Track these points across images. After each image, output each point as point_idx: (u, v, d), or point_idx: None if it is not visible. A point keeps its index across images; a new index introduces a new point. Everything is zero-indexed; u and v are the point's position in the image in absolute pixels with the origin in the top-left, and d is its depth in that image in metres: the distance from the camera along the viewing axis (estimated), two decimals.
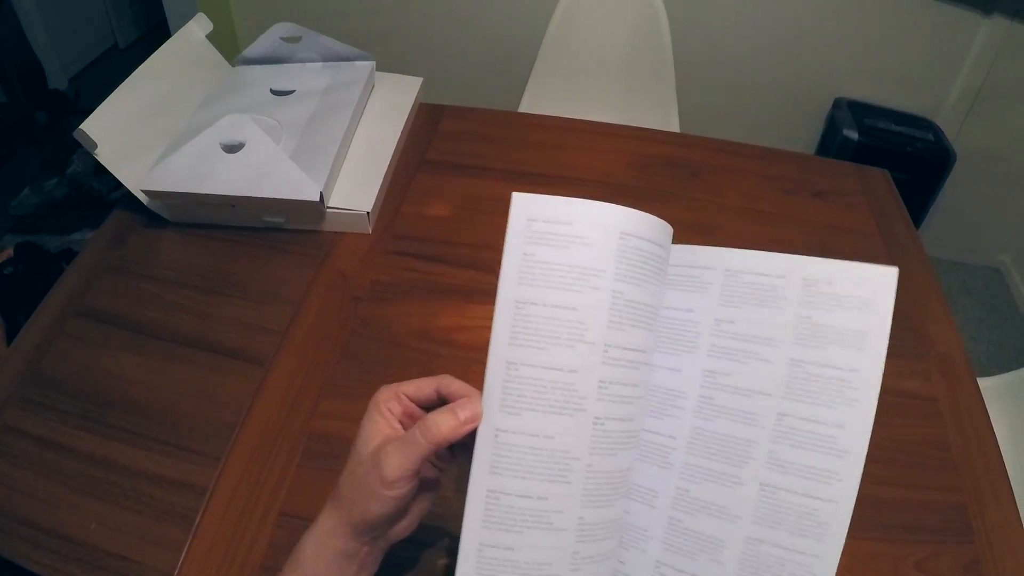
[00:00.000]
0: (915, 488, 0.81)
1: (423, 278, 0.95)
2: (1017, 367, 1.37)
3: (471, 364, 0.84)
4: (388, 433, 0.50)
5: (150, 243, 0.98)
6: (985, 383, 1.38)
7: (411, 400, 0.53)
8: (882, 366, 0.53)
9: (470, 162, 1.11)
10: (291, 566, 0.50)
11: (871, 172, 1.23)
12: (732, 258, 0.57)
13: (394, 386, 0.53)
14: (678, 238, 0.87)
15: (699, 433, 0.56)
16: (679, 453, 0.56)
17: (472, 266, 0.96)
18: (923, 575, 0.74)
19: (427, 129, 1.16)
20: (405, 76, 1.21)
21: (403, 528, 0.52)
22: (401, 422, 0.52)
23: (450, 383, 0.52)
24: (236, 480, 0.73)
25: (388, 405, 0.52)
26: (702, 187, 1.13)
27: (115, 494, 0.71)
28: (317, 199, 0.93)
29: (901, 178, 1.23)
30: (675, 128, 1.64)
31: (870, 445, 0.69)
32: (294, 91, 1.12)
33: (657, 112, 1.71)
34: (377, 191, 1.00)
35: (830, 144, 2.28)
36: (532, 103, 1.68)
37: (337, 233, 0.99)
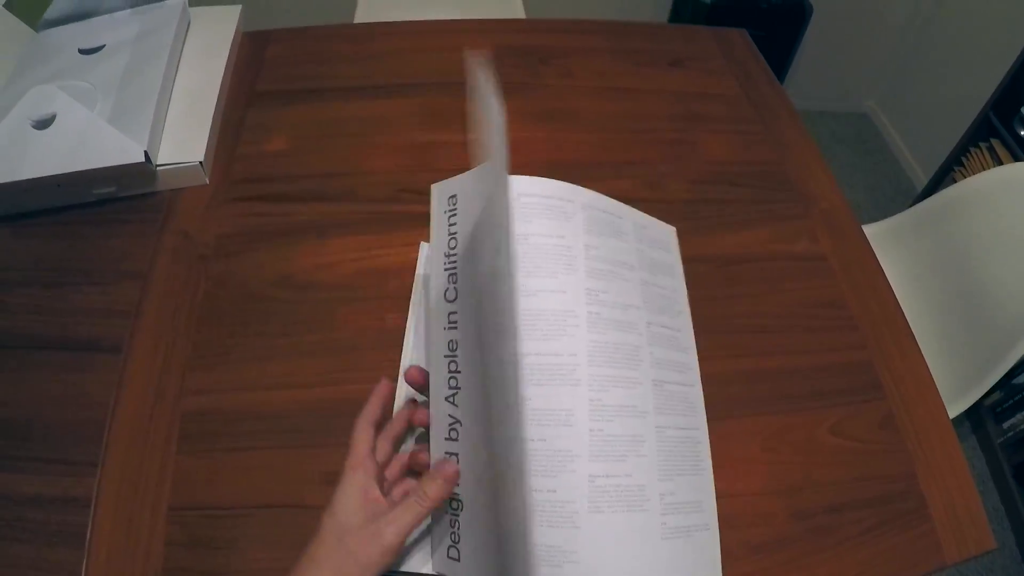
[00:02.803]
0: (818, 352, 0.76)
1: (271, 221, 0.81)
2: (893, 208, 1.33)
3: (336, 305, 0.74)
4: (374, 498, 0.50)
5: None
6: (868, 231, 1.34)
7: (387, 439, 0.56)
8: (684, 289, 0.69)
9: (305, 86, 0.96)
10: None
11: (728, 34, 1.13)
12: (582, 195, 0.63)
13: (363, 441, 0.53)
14: (531, 128, 0.78)
15: (596, 345, 0.56)
16: (583, 368, 0.55)
17: (322, 198, 0.83)
18: (839, 439, 0.70)
19: (253, 60, 1.00)
20: (221, 7, 1.04)
21: None
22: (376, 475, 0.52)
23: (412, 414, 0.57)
24: (117, 484, 0.63)
25: (365, 467, 0.51)
26: (553, 72, 1.01)
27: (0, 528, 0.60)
28: (142, 159, 0.79)
29: (759, 35, 1.15)
30: (520, 15, 1.49)
31: (769, 315, 0.76)
32: (103, 46, 0.94)
33: (501, 1, 1.55)
34: (207, 137, 0.86)
35: (683, 11, 2.18)
36: (368, 12, 1.49)
37: (175, 191, 0.84)
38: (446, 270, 0.54)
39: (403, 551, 0.54)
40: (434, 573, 0.55)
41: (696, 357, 0.63)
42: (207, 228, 0.80)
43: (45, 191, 0.82)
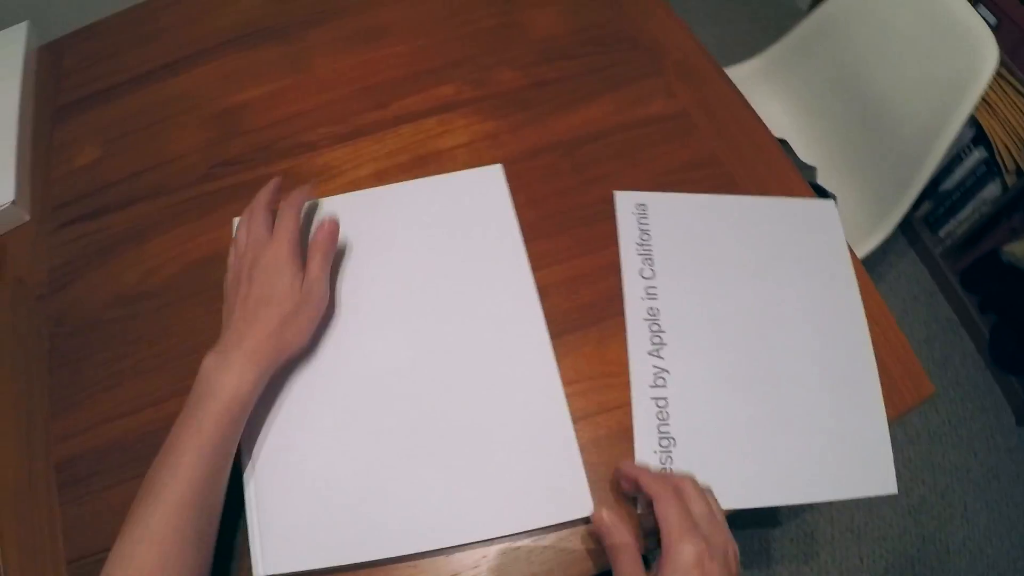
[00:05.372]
0: None
1: (93, 240, 0.73)
2: (783, 32, 1.21)
3: (168, 311, 0.67)
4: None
5: None
6: (749, 67, 1.22)
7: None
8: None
9: (102, 86, 0.85)
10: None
11: None
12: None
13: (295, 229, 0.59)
14: (339, 57, 0.82)
15: None
16: None
17: (134, 200, 0.75)
18: None
19: (52, 73, 0.89)
20: (7, 30, 0.92)
21: None
22: None
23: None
24: (18, 553, 0.58)
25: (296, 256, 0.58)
26: None
27: None
28: None
29: None
30: None
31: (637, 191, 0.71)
32: None
33: None
34: (15, 173, 0.77)
35: None
36: None
37: (1, 236, 0.76)
38: (639, 255, 0.66)
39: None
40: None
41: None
42: (39, 266, 0.73)
43: None
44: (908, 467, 1.42)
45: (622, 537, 0.48)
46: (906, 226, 1.74)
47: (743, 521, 1.19)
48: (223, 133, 0.78)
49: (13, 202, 0.75)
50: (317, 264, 0.58)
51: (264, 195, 0.63)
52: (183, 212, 0.73)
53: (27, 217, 0.77)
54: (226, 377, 0.50)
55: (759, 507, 0.56)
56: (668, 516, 0.45)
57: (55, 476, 0.61)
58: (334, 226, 0.60)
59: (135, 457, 0.61)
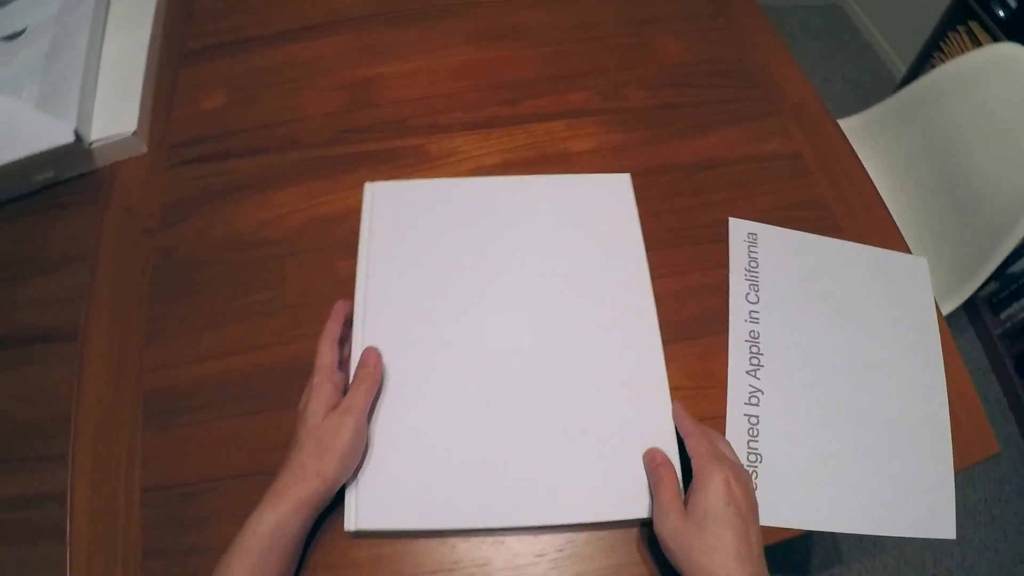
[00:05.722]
0: None
1: (213, 182, 0.74)
2: (874, 100, 1.24)
3: (284, 261, 0.68)
4: (336, 402, 0.55)
5: None
6: (845, 124, 1.25)
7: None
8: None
9: (235, 37, 0.87)
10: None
11: None
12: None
13: (327, 354, 0.57)
14: (475, 48, 0.85)
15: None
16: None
17: (261, 150, 0.76)
18: None
19: (182, 16, 0.91)
20: None
21: None
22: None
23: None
24: (89, 473, 0.59)
25: (332, 380, 0.56)
26: None
27: None
28: (72, 139, 0.72)
29: None
30: None
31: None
32: (25, 30, 0.87)
33: None
34: (139, 105, 0.78)
35: None
36: None
37: (115, 165, 0.77)
38: (746, 280, 0.69)
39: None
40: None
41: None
42: (150, 199, 0.74)
43: None
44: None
45: (667, 467, 0.55)
46: (969, 303, 1.74)
47: (772, 565, 1.18)
48: (354, 102, 0.79)
49: (134, 133, 0.76)
50: (351, 398, 0.55)
51: (332, 325, 0.60)
52: (310, 169, 0.74)
53: (144, 149, 0.78)
54: (256, 514, 0.51)
55: (828, 531, 0.59)
56: (699, 448, 0.54)
57: (141, 404, 0.61)
58: (377, 360, 0.58)
59: (231, 397, 0.61)
